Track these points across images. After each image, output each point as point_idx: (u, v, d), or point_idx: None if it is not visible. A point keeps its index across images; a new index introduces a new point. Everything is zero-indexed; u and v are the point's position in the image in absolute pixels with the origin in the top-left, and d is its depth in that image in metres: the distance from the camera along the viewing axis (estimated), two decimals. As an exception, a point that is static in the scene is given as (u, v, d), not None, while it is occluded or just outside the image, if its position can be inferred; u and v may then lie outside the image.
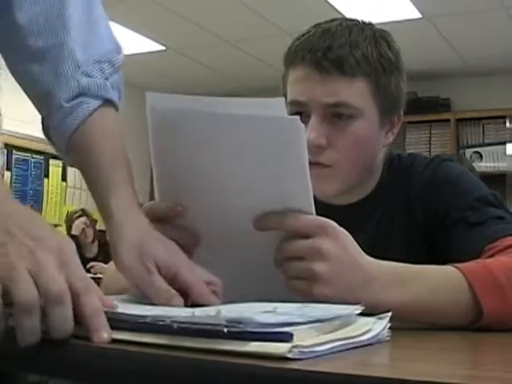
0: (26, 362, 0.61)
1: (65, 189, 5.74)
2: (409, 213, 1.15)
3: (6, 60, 0.93)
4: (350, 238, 0.81)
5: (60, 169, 5.64)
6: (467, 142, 5.61)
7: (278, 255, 0.80)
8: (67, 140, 0.89)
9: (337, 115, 1.08)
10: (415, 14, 4.52)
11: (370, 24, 1.14)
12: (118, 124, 0.91)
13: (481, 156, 5.36)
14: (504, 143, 5.27)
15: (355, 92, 1.08)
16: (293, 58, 1.12)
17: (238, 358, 0.52)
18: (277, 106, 0.74)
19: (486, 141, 5.51)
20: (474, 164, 4.11)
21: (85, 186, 0.89)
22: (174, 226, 0.84)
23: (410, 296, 0.82)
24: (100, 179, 0.85)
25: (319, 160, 1.08)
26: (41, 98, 0.90)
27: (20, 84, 0.93)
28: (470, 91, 5.67)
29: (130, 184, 0.86)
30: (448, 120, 5.64)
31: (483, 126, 5.60)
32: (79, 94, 0.88)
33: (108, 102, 0.90)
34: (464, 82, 5.71)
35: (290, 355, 0.52)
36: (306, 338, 0.55)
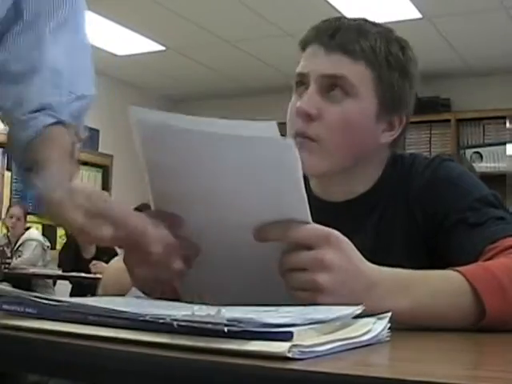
0: (26, 362, 0.61)
1: (65, 189, 5.73)
2: (409, 214, 1.14)
3: None
4: (352, 246, 0.80)
5: (60, 169, 5.63)
6: (467, 143, 5.61)
7: (280, 267, 0.80)
8: (24, 150, 0.91)
9: (333, 88, 1.09)
10: (415, 14, 4.52)
11: (389, 29, 1.15)
12: (71, 144, 0.93)
13: (481, 156, 5.36)
14: (504, 143, 5.27)
15: (355, 71, 1.09)
16: (303, 43, 1.14)
17: (237, 358, 0.52)
18: (269, 130, 0.72)
19: (487, 141, 5.52)
20: (474, 164, 4.11)
21: (85, 186, 0.90)
22: (175, 236, 0.84)
23: (412, 302, 0.82)
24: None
25: (306, 131, 1.07)
26: (8, 110, 0.95)
27: None
28: (470, 91, 5.68)
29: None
30: (448, 120, 5.64)
31: (483, 127, 5.60)
32: (38, 110, 0.92)
33: (64, 124, 0.93)
34: (464, 81, 5.71)
35: (289, 354, 0.52)
36: (306, 338, 0.55)
